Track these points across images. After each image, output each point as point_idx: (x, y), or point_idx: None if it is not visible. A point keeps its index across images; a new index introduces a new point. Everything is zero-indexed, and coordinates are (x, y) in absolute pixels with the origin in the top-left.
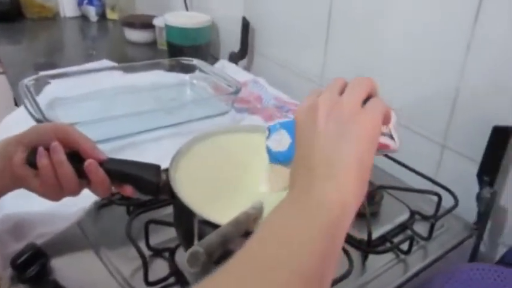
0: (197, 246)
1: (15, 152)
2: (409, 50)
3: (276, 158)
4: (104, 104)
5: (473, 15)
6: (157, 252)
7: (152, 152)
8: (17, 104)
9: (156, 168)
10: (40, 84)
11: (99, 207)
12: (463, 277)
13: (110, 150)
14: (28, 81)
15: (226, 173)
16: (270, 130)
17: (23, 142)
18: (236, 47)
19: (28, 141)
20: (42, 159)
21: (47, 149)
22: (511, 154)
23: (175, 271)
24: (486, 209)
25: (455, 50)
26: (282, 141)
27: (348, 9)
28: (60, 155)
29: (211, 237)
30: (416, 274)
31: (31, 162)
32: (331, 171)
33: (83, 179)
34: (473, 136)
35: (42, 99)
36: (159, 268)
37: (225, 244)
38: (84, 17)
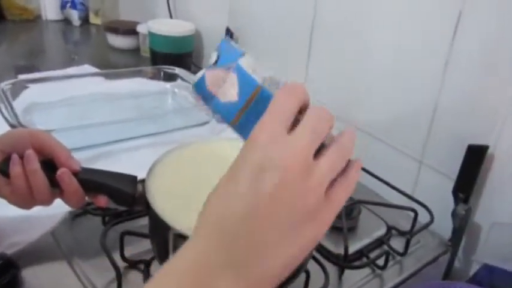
0: None
1: None
2: (388, 66)
3: (205, 97)
4: (82, 110)
5: (451, 34)
6: (132, 264)
7: (129, 162)
8: None
9: (132, 179)
10: (18, 88)
11: (74, 216)
12: None
13: (86, 159)
14: (5, 85)
15: (204, 185)
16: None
17: None
18: None
19: (2, 146)
20: (15, 168)
21: (21, 156)
22: (485, 172)
23: None
24: (461, 225)
25: (433, 68)
26: (225, 87)
27: (330, 24)
28: (34, 164)
29: None
30: None
31: (3, 170)
32: (246, 260)
33: (56, 188)
34: (450, 153)
35: (20, 103)
36: (134, 280)
37: None
38: (66, 21)
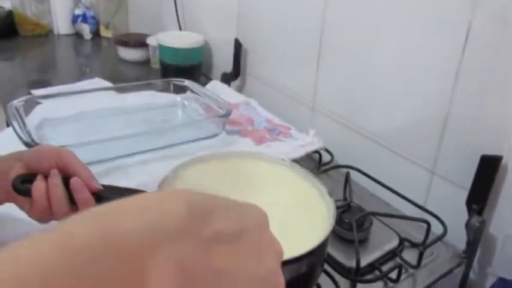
0: None
1: (13, 166)
2: (399, 76)
3: None
4: (93, 125)
5: (462, 43)
6: None
7: (139, 176)
8: (8, 124)
9: None
10: (30, 105)
11: None
12: None
13: (97, 174)
14: (17, 102)
15: None
16: None
17: (24, 160)
18: (229, 68)
19: (29, 160)
20: (38, 182)
21: (43, 172)
22: (499, 183)
23: None
24: (475, 237)
25: (444, 76)
26: None
27: (339, 35)
28: (57, 179)
29: None
30: None
31: (22, 189)
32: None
33: (74, 205)
34: (462, 163)
35: (32, 120)
36: None
37: None
38: (78, 35)
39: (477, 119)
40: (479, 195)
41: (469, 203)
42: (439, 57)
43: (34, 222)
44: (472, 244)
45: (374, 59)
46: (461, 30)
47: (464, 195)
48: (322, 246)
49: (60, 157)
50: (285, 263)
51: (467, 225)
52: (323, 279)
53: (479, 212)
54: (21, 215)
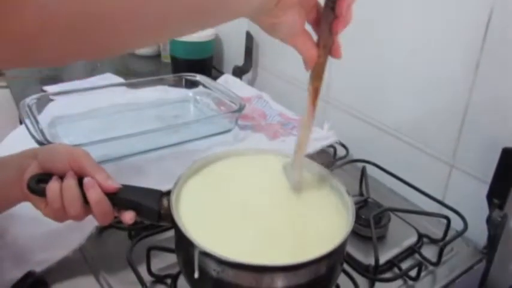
0: None
1: (28, 165)
2: (416, 67)
3: None
4: (105, 122)
5: (482, 33)
6: (159, 279)
7: (154, 173)
8: (21, 122)
9: (157, 194)
10: (43, 102)
11: (100, 231)
12: None
13: (110, 172)
14: (30, 100)
15: (231, 200)
16: None
17: (38, 159)
18: (240, 61)
19: (42, 161)
20: (52, 183)
21: (57, 172)
22: None
23: None
24: (496, 232)
25: (463, 67)
26: None
27: (352, 24)
28: (71, 181)
29: None
30: None
31: (36, 189)
32: None
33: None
34: (483, 156)
35: (45, 117)
36: None
37: None
38: None
39: (498, 109)
40: (501, 188)
41: (490, 197)
42: (459, 45)
43: (49, 221)
44: (493, 240)
45: (389, 49)
46: (483, 16)
47: (484, 189)
48: (341, 247)
49: (74, 158)
50: (303, 266)
51: (488, 220)
52: (340, 278)
53: (501, 207)
54: (37, 214)
